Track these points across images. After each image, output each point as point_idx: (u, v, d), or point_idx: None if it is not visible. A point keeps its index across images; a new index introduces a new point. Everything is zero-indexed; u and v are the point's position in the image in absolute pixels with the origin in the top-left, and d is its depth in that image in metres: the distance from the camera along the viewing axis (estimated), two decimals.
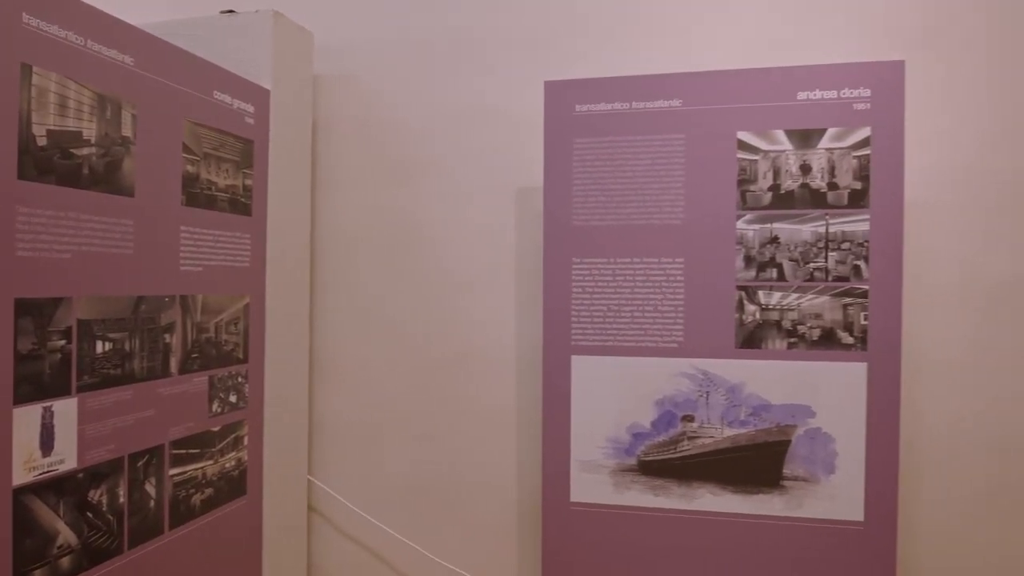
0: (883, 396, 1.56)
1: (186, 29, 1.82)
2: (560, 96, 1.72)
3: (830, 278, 1.58)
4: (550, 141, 1.72)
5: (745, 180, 1.62)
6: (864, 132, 1.57)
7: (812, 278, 1.59)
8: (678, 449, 1.65)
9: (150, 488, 1.42)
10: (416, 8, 2.08)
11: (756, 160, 1.61)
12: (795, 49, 1.83)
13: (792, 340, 1.60)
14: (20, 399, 1.12)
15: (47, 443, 1.17)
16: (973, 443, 1.75)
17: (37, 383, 1.15)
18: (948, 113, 1.77)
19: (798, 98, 1.60)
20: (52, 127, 1.17)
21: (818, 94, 1.58)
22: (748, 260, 1.62)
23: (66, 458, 1.21)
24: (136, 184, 1.36)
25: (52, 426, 1.18)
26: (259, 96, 1.76)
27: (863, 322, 1.57)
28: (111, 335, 1.30)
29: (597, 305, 1.69)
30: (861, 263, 1.57)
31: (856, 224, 1.57)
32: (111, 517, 1.31)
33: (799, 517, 1.60)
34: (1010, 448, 1.74)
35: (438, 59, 2.07)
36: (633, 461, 1.67)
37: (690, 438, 1.65)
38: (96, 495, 1.28)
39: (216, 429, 1.61)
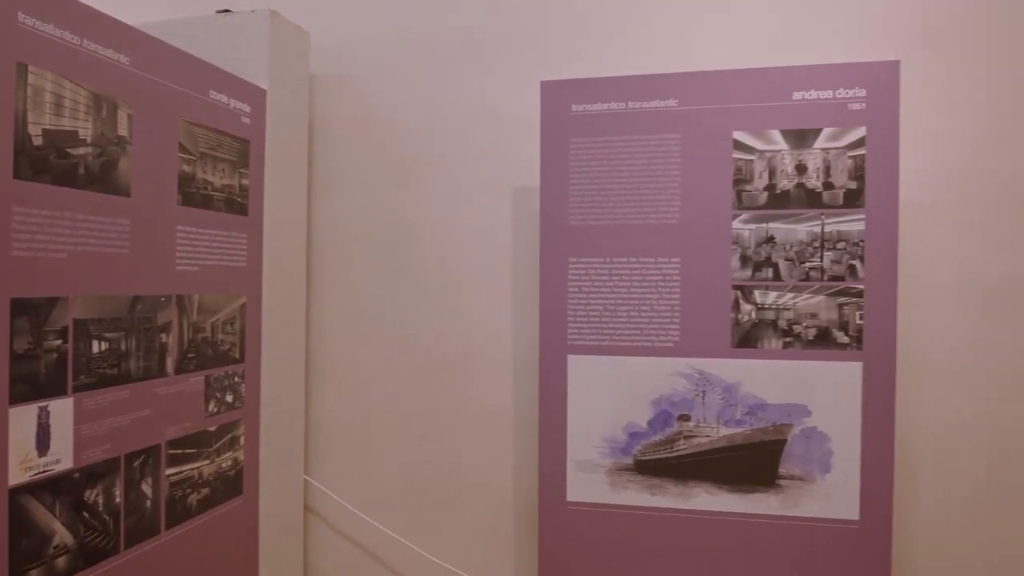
0: (878, 395, 1.56)
1: (182, 29, 1.82)
2: (556, 96, 1.72)
3: (826, 278, 1.59)
4: (546, 141, 1.72)
5: (741, 180, 1.62)
6: (859, 132, 1.57)
7: (808, 278, 1.60)
8: (674, 448, 1.66)
9: (146, 488, 1.41)
10: (413, 8, 2.08)
11: (752, 160, 1.62)
12: (791, 49, 1.84)
13: (788, 339, 1.61)
14: (16, 399, 1.12)
15: (43, 443, 1.17)
16: (968, 442, 1.76)
17: (33, 383, 1.15)
18: (944, 113, 1.77)
19: (794, 98, 1.60)
20: (48, 126, 1.17)
21: (814, 94, 1.59)
22: (744, 260, 1.62)
23: (62, 458, 1.21)
24: (132, 184, 1.36)
25: (48, 426, 1.18)
26: (255, 96, 1.76)
27: (858, 322, 1.57)
28: (107, 335, 1.30)
29: (593, 305, 1.69)
30: (856, 263, 1.57)
31: (851, 224, 1.57)
32: (107, 517, 1.31)
33: (795, 516, 1.60)
34: (1005, 447, 1.74)
35: (435, 59, 2.07)
36: (629, 460, 1.68)
37: (686, 437, 1.65)
38: (92, 495, 1.27)
39: (212, 429, 1.61)
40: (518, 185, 2.00)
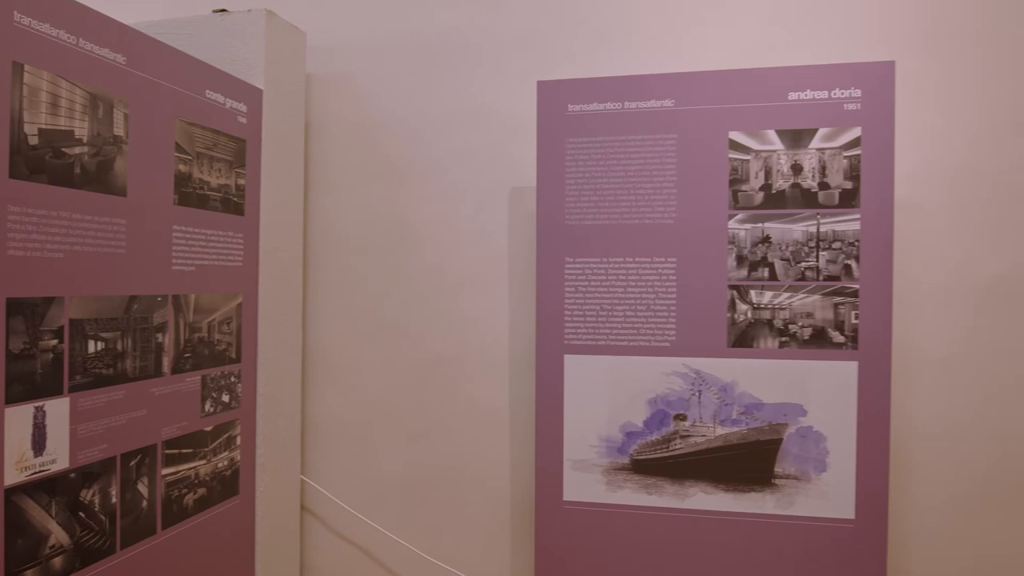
0: (874, 394, 1.57)
1: (178, 28, 1.82)
2: (553, 96, 1.72)
3: (821, 277, 1.59)
4: (543, 141, 1.72)
5: (737, 180, 1.63)
6: (855, 132, 1.58)
7: (803, 277, 1.60)
8: (671, 448, 1.66)
9: (142, 488, 1.41)
10: (409, 8, 2.08)
11: (748, 160, 1.62)
12: (787, 49, 1.84)
13: (784, 339, 1.61)
14: (12, 399, 1.12)
15: (39, 443, 1.17)
16: (963, 441, 1.77)
17: (29, 383, 1.15)
18: (939, 112, 1.78)
19: (789, 98, 1.61)
20: (44, 126, 1.17)
21: (809, 94, 1.59)
22: (740, 259, 1.63)
23: (58, 458, 1.21)
24: (128, 183, 1.36)
25: (44, 426, 1.18)
26: (252, 95, 1.76)
27: (854, 321, 1.58)
28: (103, 335, 1.30)
29: (590, 304, 1.70)
30: (852, 262, 1.58)
31: (847, 224, 1.58)
32: (103, 517, 1.31)
33: (791, 515, 1.61)
34: (1000, 446, 1.75)
35: (431, 59, 2.07)
36: (626, 460, 1.68)
37: (682, 437, 1.65)
38: (88, 495, 1.27)
39: (209, 429, 1.61)
40: (515, 185, 2.00)
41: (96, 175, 1.28)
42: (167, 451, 1.48)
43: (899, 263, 1.76)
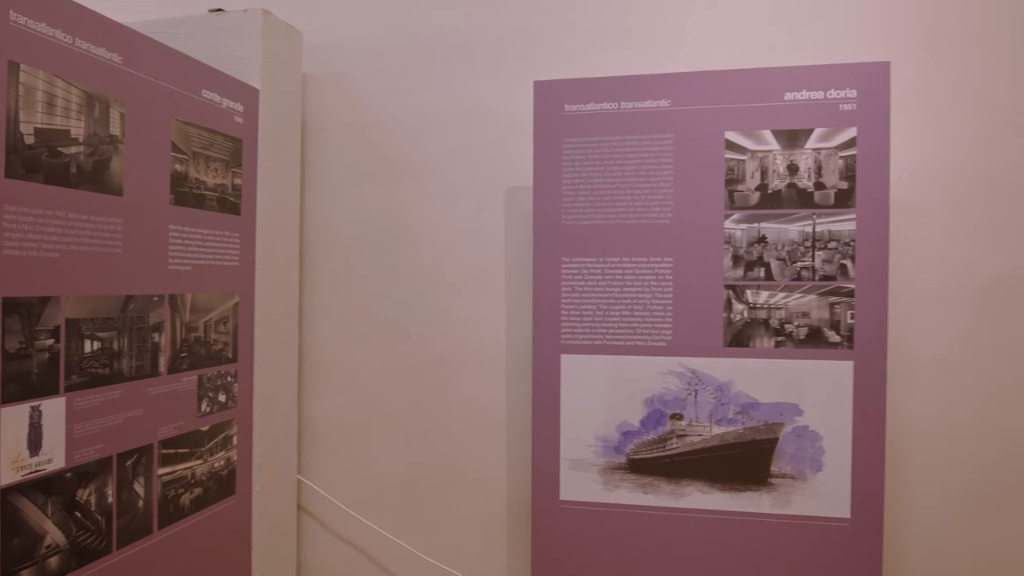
0: (869, 394, 1.57)
1: (174, 28, 1.82)
2: (549, 96, 1.72)
3: (817, 277, 1.60)
4: (539, 141, 1.72)
5: (733, 180, 1.63)
6: (850, 132, 1.58)
7: (799, 277, 1.60)
8: (667, 447, 1.66)
9: (139, 488, 1.41)
10: (406, 7, 2.08)
11: (744, 160, 1.63)
12: (783, 50, 1.85)
13: (779, 339, 1.61)
14: (8, 398, 1.12)
15: (35, 442, 1.17)
16: (959, 440, 1.77)
17: (25, 382, 1.15)
18: (936, 113, 1.78)
19: (785, 98, 1.61)
20: (40, 125, 1.17)
21: (805, 95, 1.60)
22: (736, 259, 1.63)
23: (54, 457, 1.21)
24: (124, 183, 1.36)
25: (40, 425, 1.18)
26: (248, 95, 1.76)
27: (849, 321, 1.58)
28: (99, 334, 1.30)
29: (586, 304, 1.70)
30: (848, 262, 1.58)
31: (842, 224, 1.58)
32: (99, 517, 1.31)
33: (787, 515, 1.61)
34: (996, 445, 1.76)
35: (428, 58, 2.07)
36: (622, 459, 1.68)
37: (679, 436, 1.66)
38: (84, 495, 1.27)
39: (205, 429, 1.61)
40: (511, 185, 2.00)
41: (92, 175, 1.28)
42: (163, 451, 1.48)
43: (895, 263, 1.76)
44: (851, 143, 1.58)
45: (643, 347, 1.67)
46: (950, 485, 1.78)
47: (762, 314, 1.62)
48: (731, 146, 1.63)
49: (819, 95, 1.59)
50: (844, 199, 1.58)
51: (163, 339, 1.47)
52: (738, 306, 1.63)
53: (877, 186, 1.57)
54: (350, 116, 2.12)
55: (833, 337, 1.59)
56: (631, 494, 1.68)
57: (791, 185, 1.61)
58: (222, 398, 1.67)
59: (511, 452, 2.00)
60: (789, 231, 1.61)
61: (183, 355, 1.53)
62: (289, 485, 2.00)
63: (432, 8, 2.07)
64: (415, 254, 2.07)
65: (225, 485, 1.69)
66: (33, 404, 1.16)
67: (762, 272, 1.62)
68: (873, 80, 1.57)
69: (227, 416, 1.69)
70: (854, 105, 1.58)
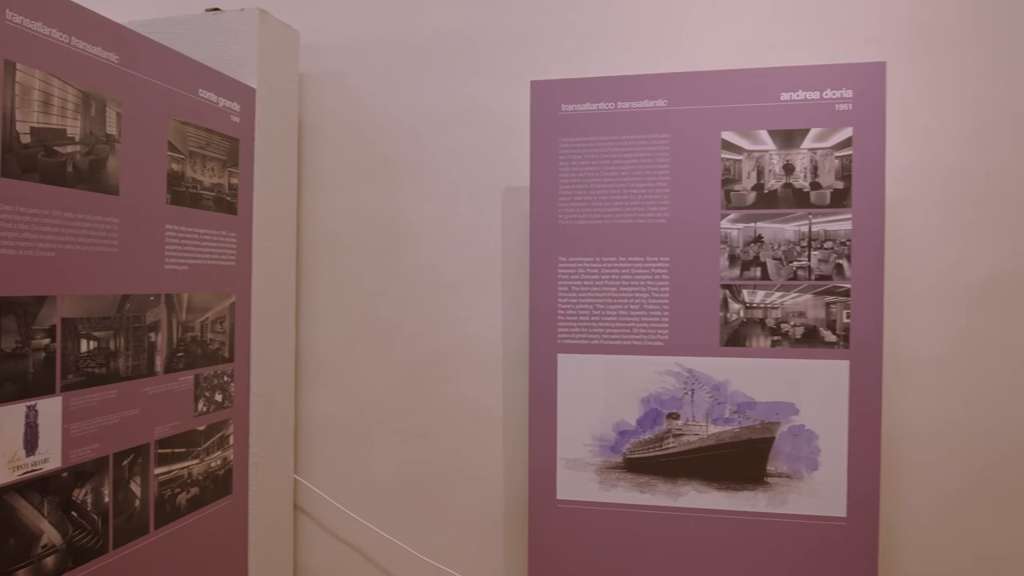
0: (865, 393, 1.58)
1: (171, 27, 1.81)
2: (546, 96, 1.72)
3: (813, 277, 1.60)
4: (536, 141, 1.73)
5: (729, 180, 1.64)
6: (846, 132, 1.59)
7: (795, 277, 1.61)
8: (663, 446, 1.67)
9: (135, 487, 1.41)
10: (403, 7, 2.08)
11: (740, 160, 1.63)
12: (779, 50, 1.85)
13: (776, 338, 1.62)
14: (4, 398, 1.12)
15: (31, 442, 1.17)
16: (954, 439, 1.78)
17: (21, 382, 1.15)
18: (932, 112, 1.79)
19: (781, 99, 1.61)
20: (36, 124, 1.17)
21: (801, 95, 1.60)
22: (732, 259, 1.63)
23: (50, 457, 1.21)
24: (121, 182, 1.35)
25: (36, 425, 1.18)
26: (245, 94, 1.75)
27: (845, 320, 1.59)
28: (96, 334, 1.30)
29: (583, 304, 1.70)
30: (843, 262, 1.59)
31: (838, 223, 1.59)
32: (96, 516, 1.30)
33: (783, 514, 1.61)
34: (991, 445, 1.76)
35: (425, 58, 2.07)
36: (619, 459, 1.68)
37: (675, 435, 1.66)
38: (81, 494, 1.27)
39: (202, 428, 1.61)
40: (508, 185, 2.00)
41: (88, 174, 1.27)
42: (160, 450, 1.48)
43: (891, 263, 1.77)
44: (847, 143, 1.58)
45: (640, 346, 1.67)
46: (945, 484, 1.78)
47: (758, 314, 1.62)
48: (727, 146, 1.63)
49: (815, 95, 1.60)
50: (840, 199, 1.59)
51: (159, 339, 1.47)
52: (734, 306, 1.63)
53: (873, 186, 1.57)
54: (347, 116, 2.12)
55: (829, 336, 1.59)
56: (628, 493, 1.68)
57: (787, 185, 1.61)
58: (219, 398, 1.67)
59: (508, 451, 2.00)
60: (785, 231, 1.61)
61: (179, 355, 1.53)
62: (286, 485, 2.00)
63: (430, 8, 2.07)
64: (412, 254, 2.07)
65: (221, 485, 1.69)
66: (29, 404, 1.16)
67: (758, 272, 1.62)
68: (869, 80, 1.58)
69: (223, 416, 1.69)
70: (850, 105, 1.59)
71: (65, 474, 1.24)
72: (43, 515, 1.19)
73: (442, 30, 2.06)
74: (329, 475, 2.12)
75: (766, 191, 1.62)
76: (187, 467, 1.56)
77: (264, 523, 1.86)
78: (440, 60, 2.06)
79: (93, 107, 1.28)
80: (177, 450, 1.53)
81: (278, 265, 1.93)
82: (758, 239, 1.62)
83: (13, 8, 1.12)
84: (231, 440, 1.71)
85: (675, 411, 1.66)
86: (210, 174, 1.62)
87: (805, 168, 1.60)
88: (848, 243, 1.58)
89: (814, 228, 1.60)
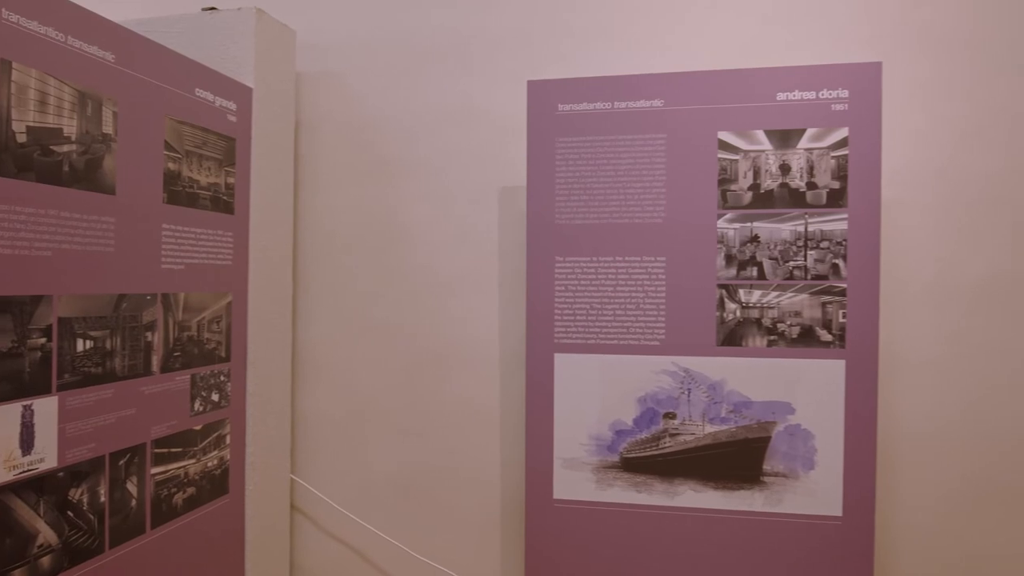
0: (861, 392, 1.58)
1: (168, 26, 1.81)
2: (543, 96, 1.72)
3: (809, 276, 1.60)
4: (533, 140, 1.73)
5: (726, 180, 1.64)
6: (842, 132, 1.59)
7: (791, 276, 1.61)
8: (660, 446, 1.67)
9: (132, 487, 1.41)
10: (400, 7, 2.08)
11: (736, 160, 1.63)
12: (776, 50, 1.86)
13: (772, 338, 1.62)
14: (0, 397, 1.12)
15: (27, 442, 1.17)
16: (950, 439, 1.78)
17: (17, 381, 1.14)
18: (928, 113, 1.79)
19: (778, 99, 1.62)
20: (32, 124, 1.16)
21: (797, 95, 1.61)
22: (729, 259, 1.64)
23: (46, 457, 1.21)
24: (117, 182, 1.35)
25: (32, 424, 1.17)
26: (241, 94, 1.75)
27: (841, 320, 1.59)
28: (92, 333, 1.30)
29: (580, 303, 1.70)
30: (839, 261, 1.59)
31: (834, 223, 1.59)
32: (92, 516, 1.30)
33: (779, 513, 1.62)
34: (987, 444, 1.77)
35: (421, 58, 2.07)
36: (616, 458, 1.69)
37: (672, 435, 1.66)
38: (77, 494, 1.27)
39: (198, 428, 1.61)
40: (505, 184, 2.00)
41: (85, 173, 1.27)
42: (156, 450, 1.48)
43: (887, 262, 1.77)
44: (843, 143, 1.59)
45: (636, 346, 1.68)
46: (941, 484, 1.79)
47: (755, 313, 1.63)
48: (724, 146, 1.64)
49: (811, 95, 1.60)
50: (836, 199, 1.59)
51: (156, 338, 1.47)
52: (731, 305, 1.64)
53: (869, 186, 1.58)
54: (344, 115, 2.12)
55: (825, 336, 1.60)
56: (624, 493, 1.68)
57: (783, 185, 1.61)
58: (215, 397, 1.67)
59: (505, 451, 2.00)
60: (781, 230, 1.62)
61: (176, 354, 1.53)
62: (282, 484, 2.00)
63: (427, 8, 2.07)
64: (409, 253, 2.07)
65: (218, 484, 1.68)
66: (25, 403, 1.16)
67: (755, 271, 1.63)
68: (865, 80, 1.58)
69: (220, 415, 1.69)
70: (846, 105, 1.59)
71: (61, 474, 1.24)
72: (39, 515, 1.19)
73: (439, 30, 2.06)
74: (326, 475, 2.12)
75: (762, 191, 1.62)
76: (183, 467, 1.56)
77: (261, 523, 1.86)
78: (437, 60, 2.06)
79: (89, 106, 1.28)
80: (173, 450, 1.53)
81: (275, 265, 1.93)
82: (754, 239, 1.62)
83: (9, 7, 1.12)
84: (227, 440, 1.71)
85: (672, 410, 1.66)
86: (207, 173, 1.62)
87: (801, 168, 1.60)
88: (844, 243, 1.59)
89: (810, 228, 1.60)
